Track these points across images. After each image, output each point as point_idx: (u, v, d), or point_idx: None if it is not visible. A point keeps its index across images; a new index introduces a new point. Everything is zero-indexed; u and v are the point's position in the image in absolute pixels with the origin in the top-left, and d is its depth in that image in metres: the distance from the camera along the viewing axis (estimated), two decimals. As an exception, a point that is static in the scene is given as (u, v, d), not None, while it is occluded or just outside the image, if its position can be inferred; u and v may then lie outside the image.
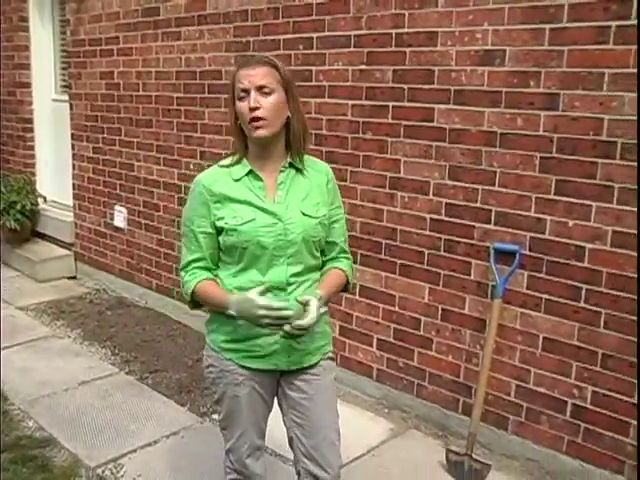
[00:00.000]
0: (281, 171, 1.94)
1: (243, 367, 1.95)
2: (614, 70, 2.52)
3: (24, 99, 6.01)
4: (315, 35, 3.51)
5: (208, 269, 1.98)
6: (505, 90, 2.83)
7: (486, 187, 2.95)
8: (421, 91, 3.11)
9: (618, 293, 2.61)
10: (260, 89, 1.84)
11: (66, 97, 5.55)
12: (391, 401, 3.43)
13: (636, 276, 2.56)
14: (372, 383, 3.50)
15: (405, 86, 3.17)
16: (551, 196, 2.75)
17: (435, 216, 3.14)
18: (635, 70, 2.47)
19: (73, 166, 5.50)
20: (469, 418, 2.98)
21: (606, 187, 2.60)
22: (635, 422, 2.62)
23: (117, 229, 5.13)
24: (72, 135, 5.45)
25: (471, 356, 3.10)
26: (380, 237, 3.38)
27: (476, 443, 2.94)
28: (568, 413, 2.81)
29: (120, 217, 5.07)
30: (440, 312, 3.19)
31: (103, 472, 2.86)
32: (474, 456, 2.89)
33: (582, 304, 2.71)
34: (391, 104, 3.23)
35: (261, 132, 1.86)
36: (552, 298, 2.80)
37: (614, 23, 2.51)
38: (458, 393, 3.16)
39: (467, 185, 3.01)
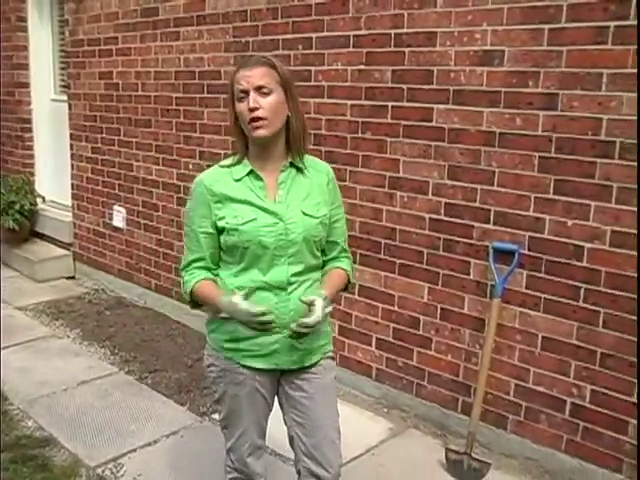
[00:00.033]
0: (282, 171, 1.95)
1: (244, 366, 1.96)
2: (613, 70, 2.53)
3: (23, 99, 6.01)
4: (314, 35, 3.51)
5: (208, 269, 1.99)
6: (504, 90, 2.84)
7: (485, 187, 2.95)
8: (420, 91, 3.12)
9: (617, 292, 2.62)
10: (259, 89, 1.85)
11: (65, 97, 5.55)
12: (390, 400, 3.43)
13: (635, 275, 2.56)
14: (371, 382, 3.51)
15: (404, 86, 3.18)
16: (550, 196, 2.76)
17: (434, 216, 3.15)
18: (633, 70, 2.48)
19: (72, 166, 5.50)
20: (468, 417, 2.99)
21: (605, 187, 2.61)
22: (634, 421, 2.63)
23: (116, 229, 5.13)
24: (71, 135, 5.45)
25: (470, 355, 3.10)
26: (379, 237, 3.38)
27: (475, 442, 2.95)
28: (567, 412, 2.82)
29: (119, 217, 5.07)
30: (439, 311, 3.20)
31: (103, 472, 2.86)
32: (473, 455, 2.90)
33: (581, 303, 2.72)
34: (390, 104, 3.24)
35: (261, 132, 1.86)
36: (551, 297, 2.81)
37: (613, 23, 2.52)
38: (457, 392, 3.17)
39: (466, 185, 3.02)
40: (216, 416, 3.23)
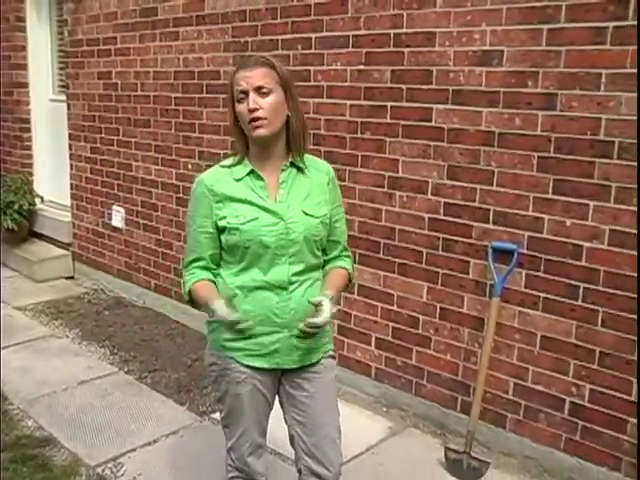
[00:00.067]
0: (282, 170, 1.96)
1: (245, 366, 1.97)
2: (611, 70, 2.54)
3: (21, 99, 6.01)
4: (313, 35, 3.52)
5: (208, 269, 1.99)
6: (503, 90, 2.85)
7: (484, 187, 2.96)
8: (419, 91, 3.13)
9: (615, 291, 2.63)
10: (258, 90, 1.85)
11: (63, 97, 5.56)
12: (390, 400, 3.44)
13: (634, 275, 2.58)
14: (371, 382, 3.52)
15: (403, 86, 3.18)
16: (549, 195, 2.77)
17: (433, 215, 3.16)
18: (632, 70, 2.49)
19: (71, 166, 5.50)
20: (467, 416, 3.00)
21: (603, 186, 2.62)
22: (632, 420, 2.64)
23: (115, 229, 5.13)
24: (70, 135, 5.45)
25: (469, 355, 3.11)
26: (378, 236, 3.39)
27: (474, 441, 2.95)
28: (566, 411, 2.83)
29: (118, 217, 5.07)
30: (438, 311, 3.20)
31: (103, 471, 2.87)
32: (472, 454, 2.90)
33: (580, 302, 2.73)
34: (389, 104, 3.25)
35: (261, 131, 1.87)
36: (550, 297, 2.82)
37: (611, 24, 2.53)
38: (456, 391, 3.18)
39: (465, 185, 3.03)
40: (215, 415, 3.25)
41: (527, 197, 2.83)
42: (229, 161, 1.99)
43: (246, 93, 1.86)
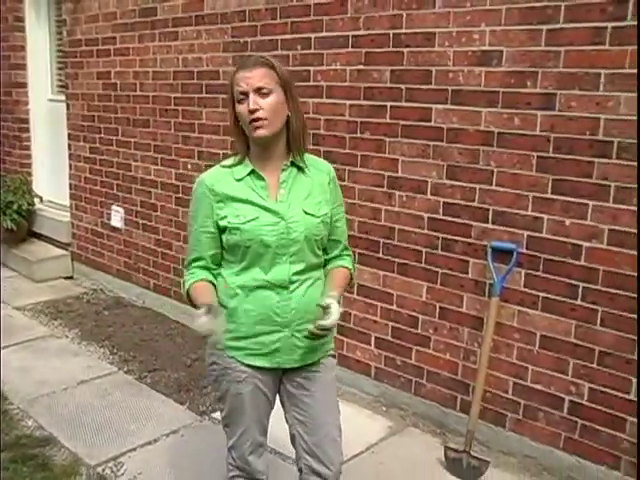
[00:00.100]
0: (283, 170, 1.96)
1: (246, 365, 1.97)
2: (610, 70, 2.55)
3: (20, 99, 6.01)
4: (313, 35, 3.53)
5: (208, 269, 2.00)
6: (502, 90, 2.85)
7: (483, 186, 2.97)
8: (419, 91, 3.14)
9: (615, 291, 2.64)
10: (258, 91, 1.85)
11: (62, 97, 5.56)
12: (389, 399, 3.45)
13: (633, 274, 2.58)
14: (370, 381, 3.52)
15: (403, 86, 3.19)
16: (548, 195, 2.78)
17: (433, 215, 3.17)
18: (631, 70, 2.50)
19: (70, 166, 5.51)
20: (467, 415, 3.01)
21: (602, 186, 2.63)
22: (631, 418, 2.65)
23: (114, 229, 5.13)
24: (69, 135, 5.45)
25: (469, 354, 3.12)
26: (378, 236, 3.40)
27: (474, 440, 2.96)
28: (565, 410, 2.83)
29: (117, 217, 5.07)
30: (438, 310, 3.21)
31: (103, 470, 2.87)
32: (472, 453, 2.91)
33: (579, 302, 2.74)
34: (389, 104, 3.25)
35: (261, 132, 1.88)
36: (549, 296, 2.83)
37: (610, 24, 2.54)
38: (456, 391, 3.19)
39: (465, 184, 3.03)
40: (216, 415, 3.26)
41: (526, 197, 2.84)
42: (230, 161, 2.00)
43: (246, 94, 1.86)
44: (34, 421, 3.25)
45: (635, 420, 2.63)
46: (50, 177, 6.05)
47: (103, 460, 2.94)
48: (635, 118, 2.51)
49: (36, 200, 5.92)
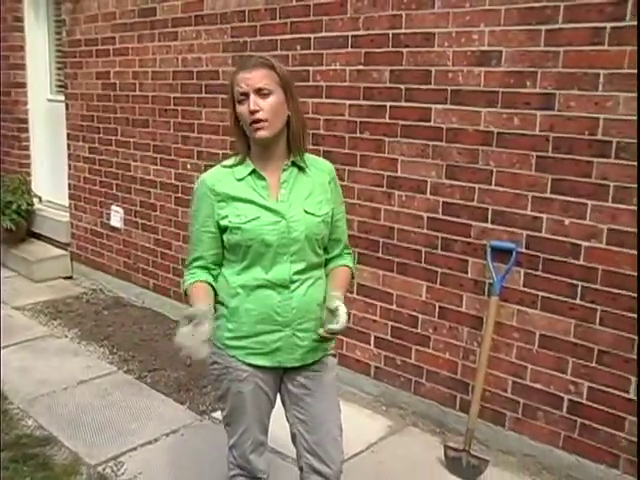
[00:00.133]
0: (284, 170, 1.97)
1: (247, 364, 1.98)
2: (609, 70, 2.56)
3: (19, 99, 6.01)
4: (312, 36, 3.53)
5: (207, 269, 2.00)
6: (502, 90, 2.86)
7: (483, 186, 2.98)
8: (418, 91, 3.14)
9: (614, 290, 2.65)
10: (259, 91, 1.86)
11: (61, 97, 5.56)
12: (389, 398, 3.46)
13: (632, 273, 2.59)
14: (370, 381, 3.53)
15: (402, 86, 3.20)
16: (547, 195, 2.79)
17: (432, 215, 3.18)
18: (629, 71, 2.51)
19: (69, 166, 5.51)
20: (466, 415, 3.02)
21: (601, 186, 2.64)
22: (631, 417, 2.66)
23: (114, 229, 5.14)
24: (68, 135, 5.46)
25: (468, 353, 3.13)
26: (378, 236, 3.41)
27: (474, 439, 2.97)
28: (564, 409, 2.84)
29: (117, 217, 5.08)
30: (437, 310, 3.22)
31: (104, 470, 2.88)
32: (472, 452, 2.92)
33: (578, 301, 2.75)
34: (388, 104, 3.26)
35: (262, 133, 1.88)
36: (548, 295, 2.83)
37: (609, 24, 2.55)
38: (455, 390, 3.19)
39: (464, 184, 3.04)
40: (215, 414, 3.27)
41: (525, 196, 2.85)
42: (231, 161, 2.00)
43: (246, 95, 1.86)
44: (34, 421, 3.25)
45: (634, 419, 2.64)
46: (49, 177, 6.05)
47: (103, 460, 2.94)
48: (633, 118, 2.52)
49: (35, 200, 5.92)
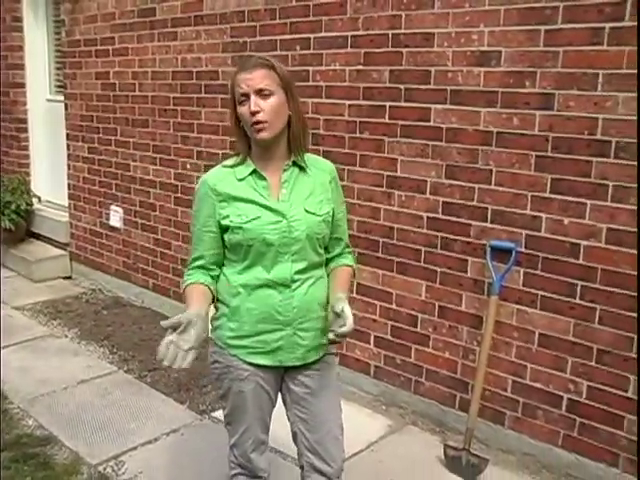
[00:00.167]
0: (284, 170, 1.97)
1: (248, 363, 1.98)
2: (608, 71, 2.57)
3: (18, 99, 6.01)
4: (312, 36, 3.54)
5: (206, 269, 2.00)
6: (501, 90, 2.87)
7: (482, 186, 2.99)
8: (418, 91, 3.15)
9: (613, 289, 2.66)
10: (259, 92, 1.86)
11: (60, 97, 5.56)
12: (389, 398, 3.46)
13: (631, 272, 2.60)
14: (370, 380, 3.54)
15: (402, 86, 3.21)
16: (546, 194, 2.80)
17: (432, 214, 3.18)
18: (629, 71, 2.52)
19: (68, 166, 5.51)
20: (466, 414, 3.02)
21: (600, 185, 2.65)
22: (630, 416, 2.66)
23: (113, 229, 5.14)
24: (67, 135, 5.46)
25: (468, 352, 3.14)
26: (377, 235, 3.41)
27: (473, 438, 2.98)
28: (564, 408, 2.85)
29: (116, 217, 5.08)
30: (437, 309, 3.23)
31: (104, 469, 2.88)
32: (472, 451, 2.93)
33: (577, 300, 2.76)
34: (388, 104, 3.27)
35: (263, 134, 1.88)
36: (548, 295, 2.84)
37: (608, 25, 2.56)
38: (455, 389, 3.20)
39: (463, 184, 3.05)
40: (215, 414, 3.27)
41: (525, 196, 2.86)
42: (231, 161, 2.01)
43: (247, 96, 1.86)
44: (34, 420, 3.26)
45: (633, 417, 2.65)
46: (48, 177, 6.05)
47: (104, 459, 2.95)
48: (633, 118, 2.53)
49: (34, 200, 5.92)
